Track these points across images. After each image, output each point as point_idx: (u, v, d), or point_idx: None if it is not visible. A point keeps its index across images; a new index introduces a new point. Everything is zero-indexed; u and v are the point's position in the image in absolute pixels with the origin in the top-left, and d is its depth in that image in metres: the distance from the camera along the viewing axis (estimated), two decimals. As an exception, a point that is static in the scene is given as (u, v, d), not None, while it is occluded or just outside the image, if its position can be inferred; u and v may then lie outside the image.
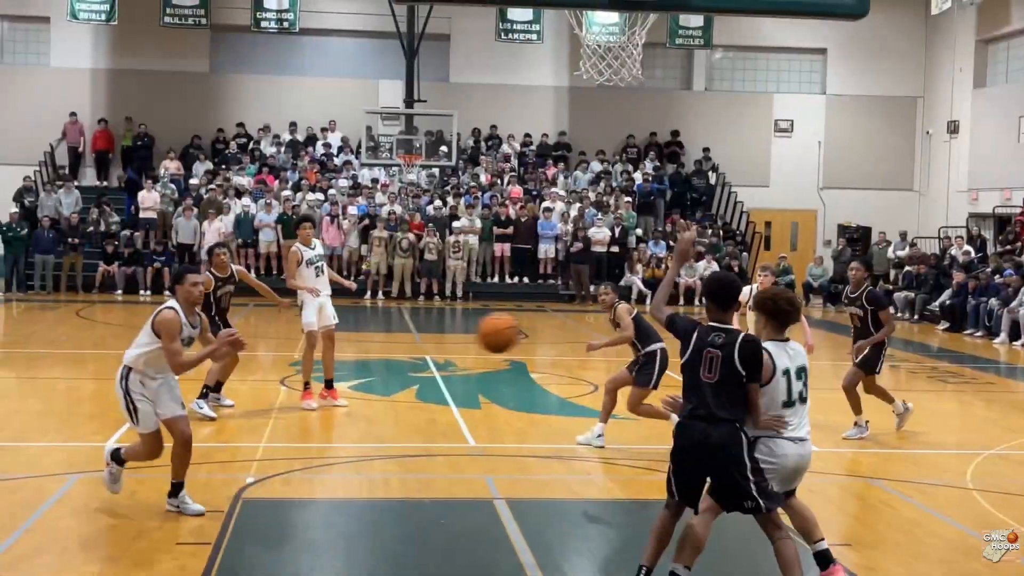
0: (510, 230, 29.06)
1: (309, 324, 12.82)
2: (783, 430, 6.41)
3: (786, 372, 6.46)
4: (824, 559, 6.66)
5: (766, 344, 6.45)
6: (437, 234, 28.35)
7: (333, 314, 12.97)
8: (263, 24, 31.30)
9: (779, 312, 6.61)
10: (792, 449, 6.44)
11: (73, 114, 31.88)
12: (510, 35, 31.99)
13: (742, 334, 6.35)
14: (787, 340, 6.60)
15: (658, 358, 10.77)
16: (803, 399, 6.53)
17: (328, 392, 13.04)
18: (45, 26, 32.62)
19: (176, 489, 8.33)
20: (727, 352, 6.26)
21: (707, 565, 6.70)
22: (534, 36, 32.11)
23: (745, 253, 30.64)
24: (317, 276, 12.93)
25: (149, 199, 29.18)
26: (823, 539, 6.69)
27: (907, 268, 28.34)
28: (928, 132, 34.57)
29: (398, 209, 29.33)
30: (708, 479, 6.38)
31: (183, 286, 8.22)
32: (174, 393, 8.32)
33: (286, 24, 31.29)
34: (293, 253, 12.96)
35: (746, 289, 13.17)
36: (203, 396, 12.24)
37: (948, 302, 25.27)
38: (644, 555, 6.50)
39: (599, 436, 10.95)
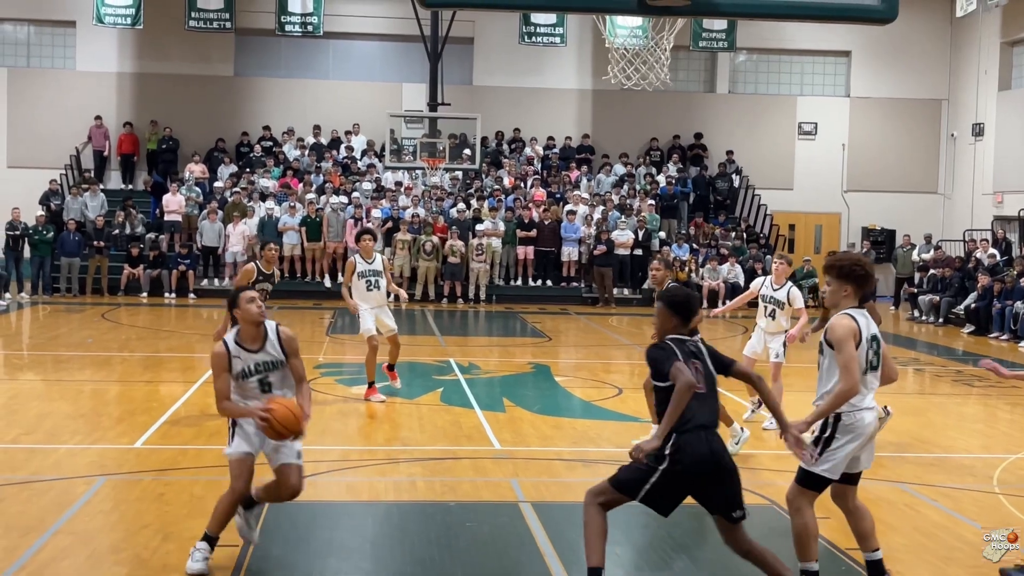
0: (533, 233, 29.08)
1: (368, 331, 13.53)
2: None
3: (871, 339, 6.54)
4: (877, 570, 6.65)
5: (851, 312, 6.49)
6: (460, 237, 28.41)
7: (391, 325, 13.78)
8: (287, 28, 31.41)
9: (868, 279, 6.61)
10: (871, 416, 6.57)
11: (98, 117, 32.08)
12: (533, 38, 32.02)
13: (700, 337, 6.53)
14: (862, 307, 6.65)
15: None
16: (874, 367, 6.61)
17: (388, 372, 14.13)
18: (71, 30, 32.82)
19: (249, 503, 7.44)
20: (703, 360, 6.34)
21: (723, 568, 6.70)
22: (557, 39, 32.13)
23: (769, 256, 30.57)
24: (368, 289, 13.55)
25: (174, 202, 29.33)
26: (878, 549, 6.71)
27: (932, 271, 28.22)
28: (953, 135, 34.43)
29: (421, 212, 29.39)
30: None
31: (239, 308, 7.27)
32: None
33: (310, 28, 31.38)
34: (350, 263, 13.72)
35: (758, 280, 13.15)
36: None
37: (973, 305, 25.16)
38: (593, 557, 6.34)
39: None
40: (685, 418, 6.12)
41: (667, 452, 6.11)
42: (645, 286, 27.87)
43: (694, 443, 6.12)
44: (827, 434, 6.50)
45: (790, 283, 12.58)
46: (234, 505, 7.20)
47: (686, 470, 6.12)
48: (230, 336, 7.27)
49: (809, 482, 6.55)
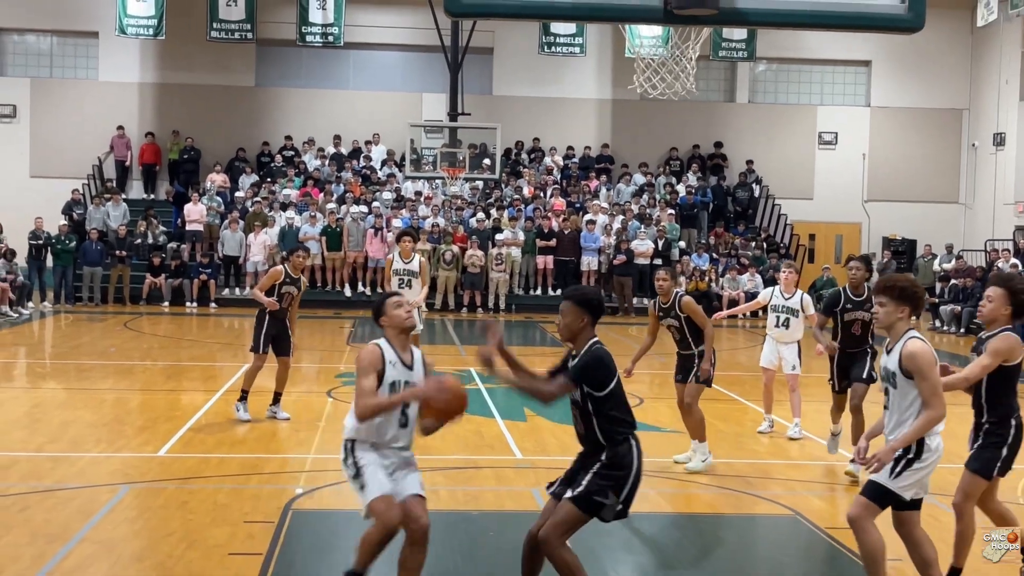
0: (553, 242, 29.09)
1: None
2: None
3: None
4: None
5: (918, 335, 6.33)
6: (480, 247, 28.45)
7: (417, 320, 14.30)
8: (308, 38, 31.49)
9: (923, 301, 6.57)
10: (940, 441, 6.46)
11: (120, 127, 32.27)
12: (553, 48, 32.06)
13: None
14: None
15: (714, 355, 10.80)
16: None
17: None
18: (94, 41, 33.03)
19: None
20: None
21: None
22: (577, 49, 32.16)
23: (794, 262, 30.49)
24: (400, 286, 14.37)
25: (195, 212, 29.45)
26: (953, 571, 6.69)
27: (953, 281, 28.11)
28: (974, 144, 34.33)
29: (441, 221, 29.43)
30: None
31: (386, 314, 6.62)
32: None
33: (331, 38, 31.46)
34: (388, 260, 14.79)
35: (767, 291, 13.12)
36: (242, 399, 12.70)
37: (995, 315, 25.02)
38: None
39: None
40: (629, 422, 6.56)
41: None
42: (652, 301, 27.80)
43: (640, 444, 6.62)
44: (911, 455, 6.31)
45: (799, 291, 12.58)
46: (384, 543, 6.54)
47: (640, 467, 6.56)
48: (384, 341, 6.59)
49: (879, 497, 6.36)
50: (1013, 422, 6.96)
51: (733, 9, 5.11)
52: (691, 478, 10.41)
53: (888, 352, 6.32)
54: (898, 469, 6.30)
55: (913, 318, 6.50)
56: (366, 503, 6.43)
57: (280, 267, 12.86)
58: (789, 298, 12.51)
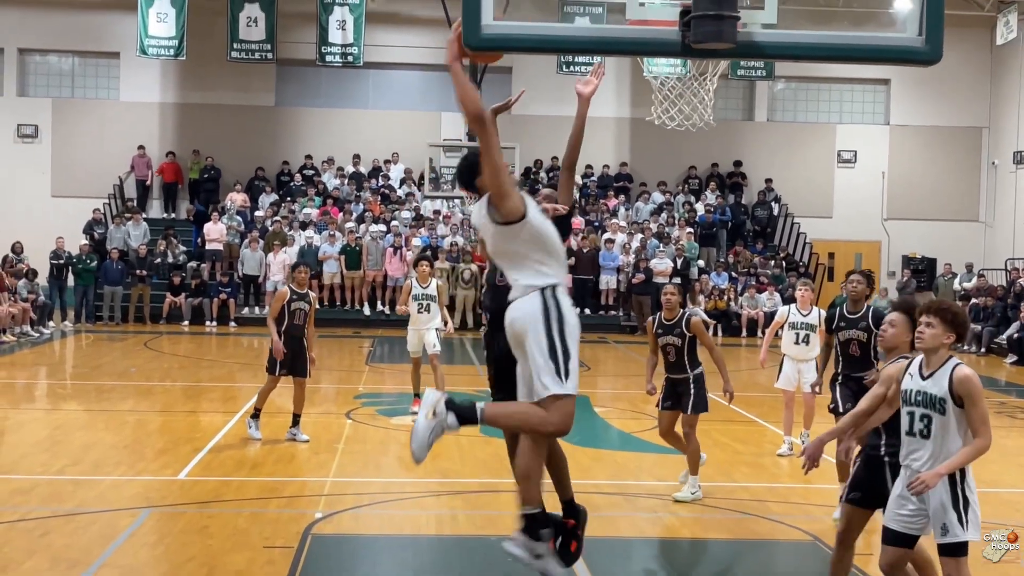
0: (572, 261, 29.09)
1: (411, 351, 14.90)
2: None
3: None
4: None
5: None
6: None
7: (433, 343, 14.67)
8: (328, 58, 31.63)
9: (968, 331, 6.48)
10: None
11: (141, 147, 32.47)
12: (571, 68, 32.11)
13: None
14: None
15: (704, 381, 10.56)
16: None
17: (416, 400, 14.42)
18: (115, 61, 33.27)
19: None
20: None
21: None
22: (599, 57, 32.15)
23: (810, 280, 30.41)
24: (419, 312, 14.68)
25: (215, 231, 29.59)
26: None
27: (973, 300, 28.02)
28: (994, 163, 34.25)
29: (460, 240, 29.48)
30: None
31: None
32: None
33: (350, 58, 31.60)
34: (407, 285, 14.97)
35: (783, 309, 13.13)
36: (255, 416, 12.79)
37: (1016, 335, 24.96)
38: None
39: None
40: None
41: None
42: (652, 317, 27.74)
43: None
44: (964, 495, 6.09)
45: (816, 307, 12.64)
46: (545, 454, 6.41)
47: None
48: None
49: (963, 549, 6.12)
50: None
51: (750, 43, 5.13)
52: (709, 502, 10.39)
53: (926, 377, 6.16)
54: (967, 518, 6.06)
55: (955, 347, 6.40)
56: (562, 391, 5.90)
57: (285, 288, 12.92)
58: (807, 315, 12.58)
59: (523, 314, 5.97)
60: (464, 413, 5.98)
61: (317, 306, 13.21)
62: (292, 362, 12.61)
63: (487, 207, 6.17)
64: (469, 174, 6.41)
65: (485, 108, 6.14)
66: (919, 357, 6.33)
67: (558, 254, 6.14)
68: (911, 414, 6.21)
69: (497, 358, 6.65)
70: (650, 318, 10.93)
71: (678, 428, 10.66)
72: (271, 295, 28.05)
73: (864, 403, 6.64)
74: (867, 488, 6.71)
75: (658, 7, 5.32)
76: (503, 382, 6.52)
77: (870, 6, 29.17)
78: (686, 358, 10.42)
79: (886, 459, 6.68)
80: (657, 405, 10.73)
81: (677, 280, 29.15)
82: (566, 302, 6.02)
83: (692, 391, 10.37)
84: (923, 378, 6.19)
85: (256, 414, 12.74)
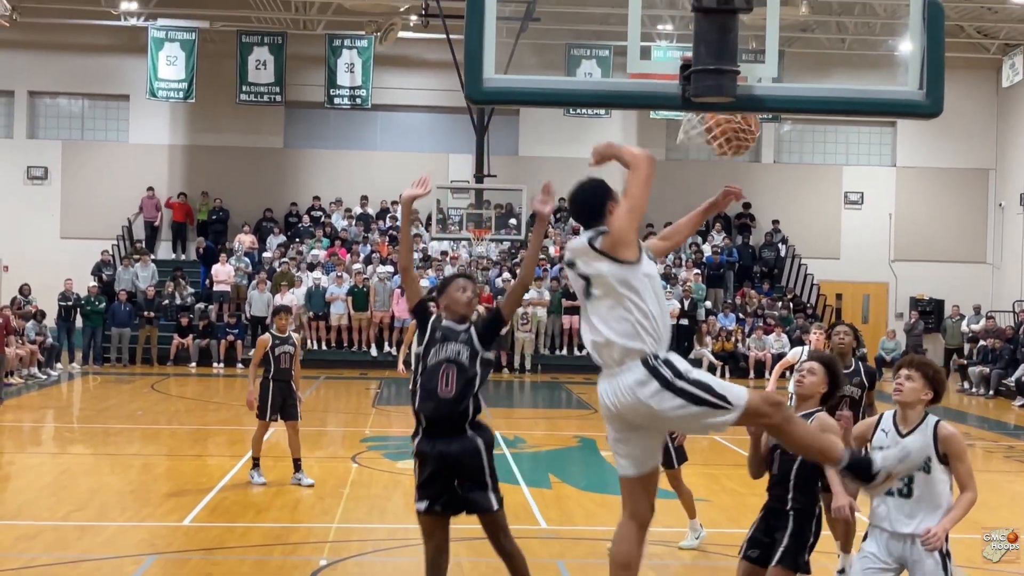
0: (579, 302, 29.06)
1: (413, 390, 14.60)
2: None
3: None
4: None
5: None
6: (506, 307, 28.47)
7: None
8: (336, 100, 31.85)
9: (944, 392, 6.33)
10: None
11: (150, 189, 32.63)
12: (578, 110, 32.21)
13: None
14: None
15: None
16: None
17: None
18: (125, 103, 33.50)
19: None
20: None
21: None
22: (602, 111, 32.31)
23: (824, 324, 30.35)
24: None
25: (223, 272, 29.67)
26: None
27: (981, 342, 27.96)
28: (1001, 204, 34.26)
29: (468, 282, 29.49)
30: None
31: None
32: None
33: (359, 100, 31.81)
34: (412, 326, 14.69)
35: (796, 350, 13.07)
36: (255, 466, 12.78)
37: (1024, 377, 24.90)
38: None
39: None
40: None
41: None
42: (691, 356, 27.74)
43: None
44: (949, 556, 6.05)
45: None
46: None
47: None
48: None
49: None
50: (817, 510, 6.62)
51: (750, 96, 5.16)
52: (716, 549, 10.34)
53: (905, 434, 6.05)
54: (951, 569, 6.03)
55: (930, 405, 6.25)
56: (739, 402, 5.59)
57: (266, 335, 13.00)
58: None
59: (634, 398, 5.54)
60: None
61: (301, 348, 13.26)
62: (282, 406, 12.67)
63: (599, 245, 5.74)
64: (596, 208, 5.92)
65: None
66: (888, 413, 6.19)
67: (663, 311, 5.67)
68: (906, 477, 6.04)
69: (436, 466, 6.44)
70: None
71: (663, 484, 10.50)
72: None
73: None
74: (767, 545, 6.48)
75: (658, 61, 5.36)
76: (436, 486, 6.36)
77: (870, 59, 29.48)
78: None
79: (791, 513, 6.48)
80: None
81: (684, 321, 29.15)
82: (670, 354, 5.64)
83: (672, 443, 10.00)
84: (901, 435, 6.05)
85: (256, 464, 12.73)
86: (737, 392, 5.60)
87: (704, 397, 5.47)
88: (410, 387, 6.34)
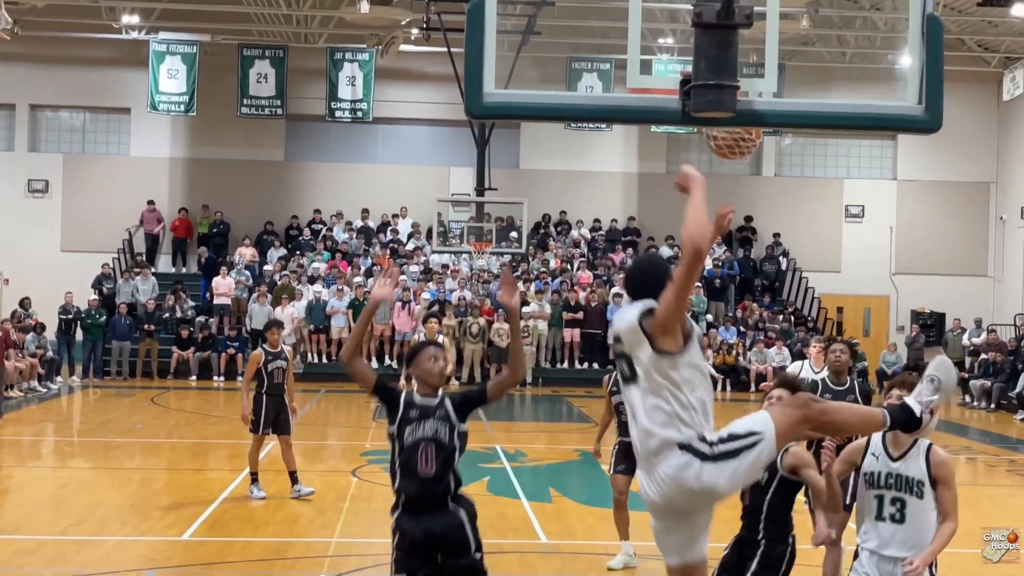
0: (580, 315, 29.10)
1: None
2: None
3: None
4: None
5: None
6: (506, 320, 28.47)
7: None
8: (337, 114, 31.88)
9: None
10: None
11: (151, 202, 32.64)
12: (579, 123, 32.25)
13: None
14: None
15: None
16: None
17: None
18: (126, 117, 33.53)
19: None
20: None
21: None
22: (603, 124, 32.35)
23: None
24: None
25: (223, 285, 29.64)
26: None
27: (983, 356, 27.92)
28: (1002, 217, 34.25)
29: (468, 295, 29.52)
30: None
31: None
32: None
33: (360, 113, 31.84)
34: (414, 340, 14.58)
35: (796, 364, 13.03)
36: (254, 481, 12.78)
37: (1025, 391, 24.86)
38: None
39: None
40: None
41: None
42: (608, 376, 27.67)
43: None
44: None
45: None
46: None
47: None
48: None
49: None
50: (790, 539, 6.50)
51: (750, 111, 5.15)
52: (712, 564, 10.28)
53: (896, 458, 5.96)
54: None
55: None
56: (765, 424, 5.35)
57: (258, 350, 13.07)
58: (819, 372, 12.46)
59: (681, 485, 5.24)
60: None
61: (302, 362, 13.34)
62: (275, 420, 12.75)
63: (644, 325, 5.34)
64: (649, 287, 5.45)
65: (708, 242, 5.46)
66: (877, 436, 6.06)
67: (705, 404, 5.32)
68: (880, 498, 5.97)
69: (419, 542, 6.31)
70: (606, 377, 10.49)
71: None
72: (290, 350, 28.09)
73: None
74: (739, 571, 6.42)
75: (659, 75, 5.34)
76: (416, 560, 6.25)
77: (871, 73, 29.51)
78: None
79: (762, 542, 6.42)
80: (610, 469, 10.37)
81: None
82: (705, 436, 5.28)
83: None
84: (892, 459, 5.97)
85: (254, 479, 12.75)
86: (756, 418, 5.41)
87: (738, 446, 5.25)
88: (388, 466, 6.17)
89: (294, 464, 12.83)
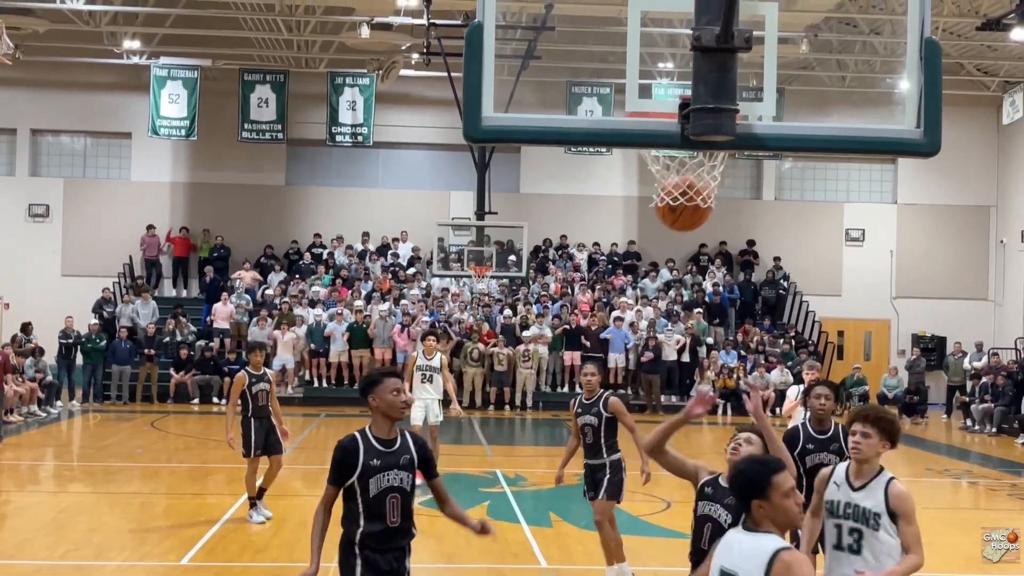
0: (581, 339, 29.06)
1: (412, 420, 15.02)
2: None
3: None
4: None
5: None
6: (507, 344, 28.45)
7: (436, 413, 15.56)
8: (338, 138, 31.92)
9: (899, 436, 6.16)
10: None
11: (151, 227, 32.66)
12: (579, 148, 32.31)
13: None
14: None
15: (625, 467, 10.10)
16: None
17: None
18: (127, 141, 33.59)
19: None
20: None
21: None
22: (603, 148, 32.40)
23: (818, 363, 30.29)
24: (423, 381, 15.51)
25: (223, 312, 29.58)
26: None
27: (983, 379, 27.87)
28: (1002, 241, 34.26)
29: (468, 318, 29.49)
30: None
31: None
32: None
33: (360, 138, 31.88)
34: (412, 357, 15.99)
35: (794, 388, 13.04)
36: (252, 506, 12.87)
37: (1027, 414, 24.80)
38: None
39: None
40: None
41: None
42: (692, 393, 27.65)
43: None
44: None
45: None
46: None
47: None
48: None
49: None
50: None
51: (750, 135, 5.15)
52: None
53: (857, 488, 5.95)
54: None
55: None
56: None
57: (242, 372, 13.19)
58: None
59: None
60: None
61: (302, 385, 13.44)
62: (266, 442, 12.87)
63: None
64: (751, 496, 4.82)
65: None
66: (842, 465, 6.09)
67: None
68: (839, 527, 5.95)
69: None
70: (572, 400, 10.50)
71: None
72: (278, 374, 28.05)
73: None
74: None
75: (660, 99, 5.35)
76: None
77: (871, 97, 29.58)
78: (603, 440, 9.97)
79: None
80: (584, 495, 10.36)
81: (686, 358, 29.08)
82: None
83: (607, 476, 9.91)
84: (853, 489, 5.96)
85: (253, 503, 12.76)
86: None
87: None
88: (347, 516, 6.08)
89: (271, 482, 12.93)
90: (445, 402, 15.95)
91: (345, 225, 33.62)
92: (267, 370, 13.41)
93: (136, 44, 30.92)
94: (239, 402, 12.95)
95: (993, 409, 26.37)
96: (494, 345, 28.50)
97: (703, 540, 6.05)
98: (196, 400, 27.90)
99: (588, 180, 34.03)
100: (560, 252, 33.90)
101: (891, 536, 5.83)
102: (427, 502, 14.06)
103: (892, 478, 5.94)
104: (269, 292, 30.82)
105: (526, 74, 27.94)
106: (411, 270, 32.45)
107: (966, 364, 29.89)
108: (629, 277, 32.96)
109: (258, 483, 13.02)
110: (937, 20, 26.37)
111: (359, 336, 28.62)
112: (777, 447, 6.14)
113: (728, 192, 34.17)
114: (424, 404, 15.44)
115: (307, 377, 28.69)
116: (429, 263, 31.46)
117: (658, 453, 6.15)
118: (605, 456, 9.98)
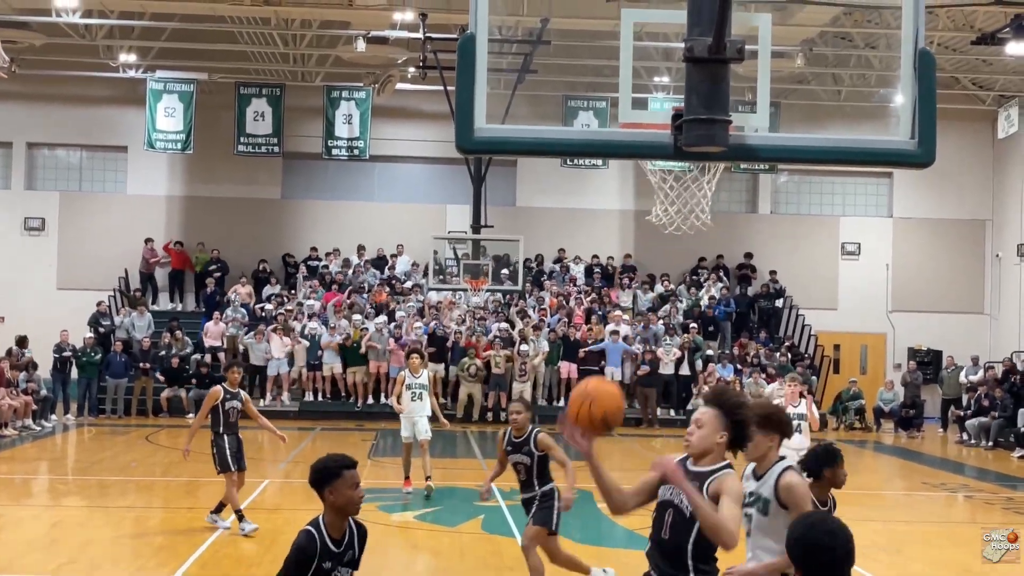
0: (578, 352, 29.02)
1: (404, 437, 16.04)
2: None
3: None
4: None
5: (794, 467, 6.19)
6: (504, 347, 28.42)
7: (425, 429, 15.92)
8: (334, 152, 31.92)
9: (789, 426, 6.33)
10: None
11: (148, 240, 32.63)
12: (576, 161, 32.32)
13: None
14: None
15: (558, 497, 9.93)
16: None
17: (404, 482, 16.13)
18: (123, 155, 33.59)
19: None
20: None
21: None
22: (599, 162, 32.41)
23: (814, 376, 30.32)
24: (412, 400, 15.92)
25: (215, 331, 29.44)
26: None
27: (979, 392, 27.84)
28: (998, 255, 34.28)
29: (464, 331, 29.43)
30: None
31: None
32: None
33: (356, 152, 31.89)
34: (400, 376, 16.39)
35: (771, 386, 13.28)
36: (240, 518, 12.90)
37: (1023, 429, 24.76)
38: None
39: None
40: None
41: None
42: (689, 407, 27.62)
43: None
44: None
45: (804, 399, 13.19)
46: None
47: None
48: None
49: None
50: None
51: (742, 146, 5.14)
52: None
53: (758, 478, 6.11)
54: None
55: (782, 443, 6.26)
56: None
57: (218, 387, 13.30)
58: (796, 407, 12.92)
59: None
60: None
61: (283, 398, 13.52)
62: (236, 454, 13.05)
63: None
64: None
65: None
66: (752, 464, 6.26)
67: None
68: (749, 516, 6.10)
69: None
70: (501, 432, 10.41)
71: (566, 548, 10.32)
72: (273, 380, 28.03)
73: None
74: None
75: (655, 112, 5.34)
76: None
77: (866, 110, 29.65)
78: (535, 477, 9.96)
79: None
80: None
81: (684, 371, 29.04)
82: None
83: (537, 504, 9.89)
84: (756, 478, 6.16)
85: (240, 516, 12.80)
86: None
87: None
88: None
89: (232, 500, 13.06)
90: (432, 417, 16.16)
91: (341, 239, 33.59)
92: (243, 392, 13.50)
93: (132, 58, 30.96)
94: (208, 417, 13.01)
95: (991, 423, 26.30)
96: (491, 350, 28.46)
97: (663, 529, 5.66)
98: (191, 415, 27.79)
99: (584, 194, 34.05)
100: (556, 265, 33.88)
101: (780, 524, 5.77)
102: (423, 516, 14.06)
103: (787, 468, 6.05)
104: (268, 307, 30.71)
105: (522, 88, 28.00)
106: (408, 283, 32.42)
107: (962, 378, 29.87)
108: (627, 289, 32.94)
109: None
110: (932, 34, 26.42)
111: (354, 350, 28.43)
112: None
113: (724, 206, 34.21)
114: (413, 422, 15.88)
115: (304, 395, 28.60)
116: (425, 274, 31.44)
117: (628, 508, 5.96)
118: (537, 488, 9.95)
